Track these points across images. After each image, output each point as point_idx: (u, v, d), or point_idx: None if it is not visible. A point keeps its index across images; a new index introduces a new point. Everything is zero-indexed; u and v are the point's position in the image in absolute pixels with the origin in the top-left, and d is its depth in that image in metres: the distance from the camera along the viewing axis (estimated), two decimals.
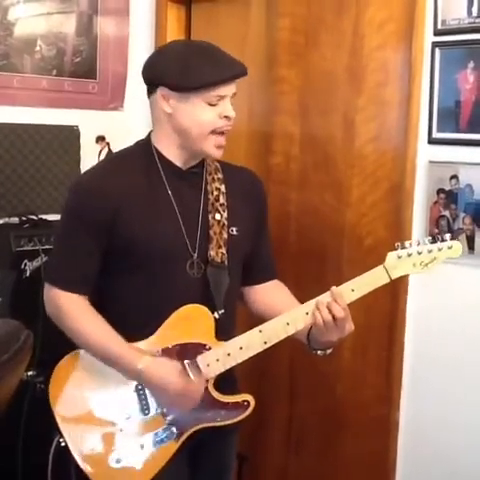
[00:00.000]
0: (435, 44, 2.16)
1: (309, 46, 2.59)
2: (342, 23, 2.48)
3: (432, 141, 2.20)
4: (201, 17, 3.02)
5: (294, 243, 2.66)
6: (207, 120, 1.80)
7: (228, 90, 1.81)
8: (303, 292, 1.90)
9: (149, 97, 1.87)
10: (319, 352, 1.89)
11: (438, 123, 2.18)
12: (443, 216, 2.18)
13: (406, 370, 2.35)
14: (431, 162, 2.21)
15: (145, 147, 1.90)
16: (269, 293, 2.04)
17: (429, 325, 2.27)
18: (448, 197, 2.17)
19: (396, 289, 2.32)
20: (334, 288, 1.79)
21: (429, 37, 2.18)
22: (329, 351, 1.89)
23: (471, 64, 2.10)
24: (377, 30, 2.39)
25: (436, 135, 2.19)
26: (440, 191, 2.19)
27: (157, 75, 1.82)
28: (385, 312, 2.40)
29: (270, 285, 2.06)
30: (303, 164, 2.64)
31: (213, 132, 1.81)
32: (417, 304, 2.30)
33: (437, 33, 2.16)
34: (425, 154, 2.23)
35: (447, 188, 2.17)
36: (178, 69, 1.78)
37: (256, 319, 1.92)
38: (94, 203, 1.81)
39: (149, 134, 1.93)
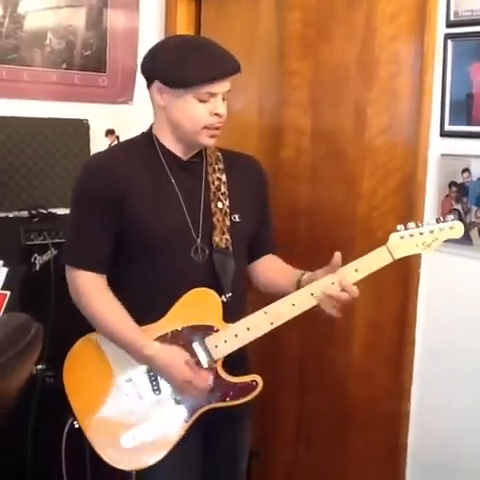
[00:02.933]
0: (447, 36, 2.14)
1: (320, 38, 2.57)
2: (353, 15, 2.46)
3: (444, 134, 2.18)
4: (211, 10, 3.00)
5: (305, 236, 2.65)
6: (198, 116, 1.87)
7: (219, 88, 1.87)
8: None
9: (148, 89, 1.96)
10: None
11: (450, 116, 2.16)
12: (455, 209, 2.16)
13: (417, 365, 2.34)
14: (443, 155, 2.19)
15: (148, 137, 1.99)
16: (265, 264, 2.11)
17: (441, 320, 2.26)
18: (460, 190, 2.15)
19: (407, 284, 2.32)
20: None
21: (441, 29, 2.16)
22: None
23: None
24: (389, 22, 2.36)
25: (448, 128, 2.17)
26: (452, 184, 2.17)
27: (153, 69, 1.91)
28: (396, 307, 2.39)
29: (264, 258, 2.13)
30: (314, 157, 2.63)
31: (205, 128, 1.88)
32: (428, 299, 2.29)
33: (450, 25, 2.13)
34: (437, 147, 2.21)
35: (459, 181, 2.15)
36: (171, 66, 1.86)
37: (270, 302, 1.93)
38: (101, 183, 1.88)
39: (151, 126, 2.01)
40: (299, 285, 1.94)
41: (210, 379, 1.87)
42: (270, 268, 2.10)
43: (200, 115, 1.87)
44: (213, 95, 1.86)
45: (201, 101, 1.86)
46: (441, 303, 2.25)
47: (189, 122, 1.88)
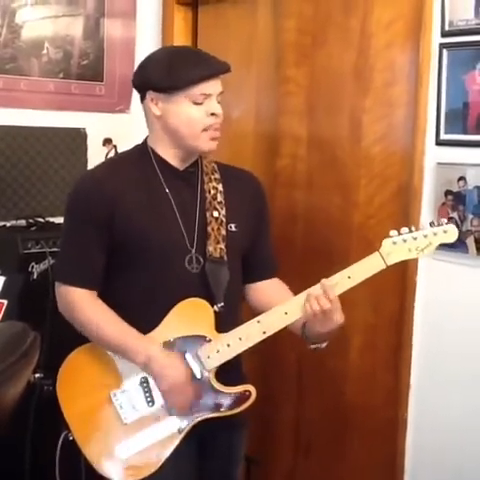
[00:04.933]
0: (443, 45, 2.14)
1: (316, 46, 2.58)
2: (349, 23, 2.47)
3: (440, 142, 2.19)
4: (208, 19, 3.02)
5: (301, 244, 2.66)
6: (195, 119, 1.87)
7: (212, 88, 1.87)
8: None
9: (142, 103, 1.96)
10: (312, 346, 1.93)
11: (446, 124, 2.17)
12: (451, 218, 2.16)
13: (414, 370, 2.33)
14: (439, 163, 2.19)
15: (142, 149, 1.98)
16: (267, 291, 2.08)
17: (437, 325, 2.26)
18: (456, 199, 2.16)
19: (404, 289, 2.32)
20: (324, 280, 1.82)
21: (436, 38, 2.16)
22: (324, 345, 1.93)
23: (479, 65, 2.08)
24: (385, 29, 2.37)
25: (444, 136, 2.18)
26: (448, 193, 2.17)
27: (144, 80, 1.92)
28: (393, 312, 2.39)
29: (269, 283, 2.10)
30: (310, 165, 2.63)
31: (204, 130, 1.88)
32: (425, 304, 2.29)
33: (445, 34, 2.14)
34: (433, 155, 2.21)
35: (455, 190, 2.16)
36: (162, 71, 1.87)
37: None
38: (92, 199, 1.87)
39: (145, 138, 2.00)
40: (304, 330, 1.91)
41: (194, 395, 1.86)
42: (270, 297, 2.02)
43: (197, 117, 1.86)
44: (207, 96, 1.86)
45: (196, 104, 1.85)
46: (438, 310, 2.25)
47: (187, 126, 1.87)
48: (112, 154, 3.00)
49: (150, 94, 1.89)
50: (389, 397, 2.42)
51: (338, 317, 1.83)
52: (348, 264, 2.41)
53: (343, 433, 2.58)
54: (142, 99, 1.94)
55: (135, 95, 3.03)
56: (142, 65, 1.95)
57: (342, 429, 2.58)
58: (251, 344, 1.86)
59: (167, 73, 1.85)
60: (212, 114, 1.87)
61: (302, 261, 2.61)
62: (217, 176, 2.00)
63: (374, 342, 2.47)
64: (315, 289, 1.82)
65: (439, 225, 1.79)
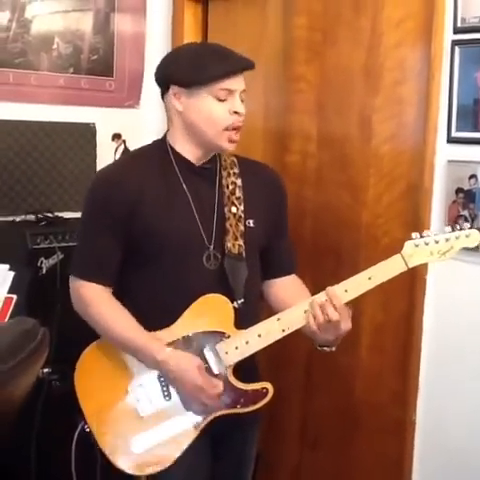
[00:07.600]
0: (455, 42, 2.13)
1: (326, 44, 2.57)
2: (360, 20, 2.46)
3: (451, 140, 2.18)
4: (218, 15, 3.01)
5: (310, 241, 2.65)
6: (217, 116, 1.85)
7: (236, 84, 1.85)
8: (319, 291, 1.88)
9: (163, 98, 1.95)
10: (319, 348, 1.92)
11: (457, 122, 2.16)
12: (461, 216, 2.16)
13: (423, 370, 2.33)
14: (450, 161, 2.19)
15: (161, 145, 1.97)
16: (285, 288, 2.07)
17: (447, 325, 2.25)
18: (467, 197, 2.15)
19: (414, 288, 2.31)
20: (329, 288, 1.81)
21: (449, 35, 2.15)
22: (334, 348, 1.92)
23: None
24: (395, 28, 2.36)
25: (455, 134, 2.17)
26: (459, 190, 2.17)
27: (168, 74, 1.90)
28: (403, 311, 2.38)
29: (287, 280, 2.09)
30: (319, 163, 2.62)
31: (226, 129, 1.86)
32: (435, 303, 2.28)
33: (457, 31, 2.13)
34: (444, 153, 2.20)
35: (466, 188, 2.15)
36: (187, 66, 1.85)
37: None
38: (112, 197, 1.87)
39: (165, 134, 1.99)
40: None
41: (220, 386, 1.85)
42: (287, 295, 2.03)
43: (219, 115, 1.84)
44: (231, 93, 1.84)
45: (219, 100, 1.83)
46: (447, 309, 2.25)
47: (209, 124, 1.86)
48: (121, 149, 3.01)
49: (173, 89, 1.88)
50: (397, 397, 2.41)
51: (345, 325, 1.83)
52: (357, 262, 2.41)
53: (350, 430, 2.58)
54: (163, 94, 1.93)
55: (145, 90, 3.07)
56: (166, 59, 1.94)
57: (349, 426, 2.58)
58: (270, 341, 1.86)
59: (192, 68, 1.84)
60: (235, 112, 1.85)
61: (311, 257, 2.60)
62: (236, 170, 1.98)
63: (383, 341, 2.47)
64: (319, 297, 1.82)
65: (461, 229, 1.79)
